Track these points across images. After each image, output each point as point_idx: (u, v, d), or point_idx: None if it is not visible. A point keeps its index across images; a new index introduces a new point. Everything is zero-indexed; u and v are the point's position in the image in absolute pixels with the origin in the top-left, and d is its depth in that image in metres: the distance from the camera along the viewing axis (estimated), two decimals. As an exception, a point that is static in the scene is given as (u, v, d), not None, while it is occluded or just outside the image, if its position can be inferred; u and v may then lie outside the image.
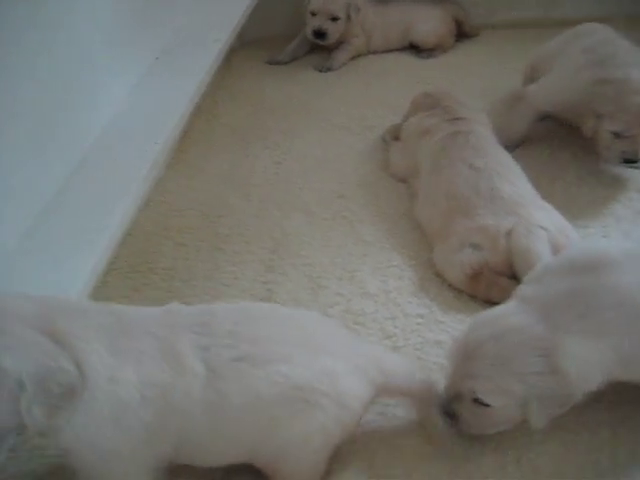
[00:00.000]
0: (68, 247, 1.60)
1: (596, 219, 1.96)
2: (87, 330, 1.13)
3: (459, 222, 1.77)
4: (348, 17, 3.00)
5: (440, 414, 1.37)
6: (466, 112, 2.11)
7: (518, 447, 1.36)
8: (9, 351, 1.04)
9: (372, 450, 1.38)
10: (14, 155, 1.61)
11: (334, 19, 2.99)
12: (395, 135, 2.32)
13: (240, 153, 2.41)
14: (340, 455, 1.36)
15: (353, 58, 3.07)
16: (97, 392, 1.10)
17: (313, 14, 2.99)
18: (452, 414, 1.35)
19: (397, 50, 3.11)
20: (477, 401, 1.30)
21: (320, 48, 3.08)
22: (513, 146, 2.19)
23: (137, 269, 1.91)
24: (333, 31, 2.99)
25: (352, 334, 1.43)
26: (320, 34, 2.98)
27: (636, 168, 2.11)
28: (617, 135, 2.00)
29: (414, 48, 3.10)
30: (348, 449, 1.37)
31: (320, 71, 2.99)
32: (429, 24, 3.04)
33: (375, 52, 3.11)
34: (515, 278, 1.68)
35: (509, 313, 1.34)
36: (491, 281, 1.69)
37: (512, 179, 1.83)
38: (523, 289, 1.39)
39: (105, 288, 1.82)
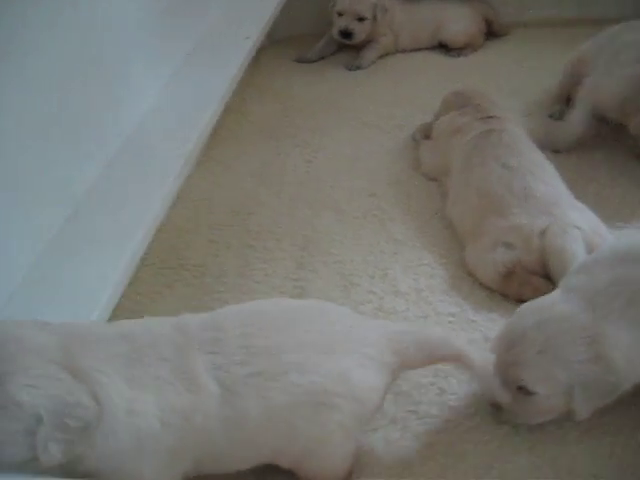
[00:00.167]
0: (102, 242, 1.62)
1: (630, 220, 1.93)
2: (104, 362, 1.11)
3: (492, 221, 1.76)
4: (374, 17, 3.00)
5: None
6: (498, 111, 2.10)
7: (554, 447, 1.35)
8: (27, 387, 1.03)
9: (405, 447, 1.38)
10: (50, 150, 1.63)
11: (361, 19, 2.99)
12: (426, 134, 2.32)
13: (270, 151, 2.41)
14: (372, 451, 1.37)
15: (381, 57, 3.07)
16: (116, 425, 1.09)
17: (340, 14, 3.00)
18: (498, 404, 1.36)
19: (426, 49, 3.10)
20: (522, 389, 1.31)
21: (348, 47, 3.08)
22: (568, 148, 2.16)
23: (169, 265, 1.93)
24: (359, 31, 2.99)
25: (360, 317, 1.40)
26: (347, 34, 2.99)
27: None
28: None
29: (443, 47, 3.09)
30: (380, 446, 1.38)
31: (349, 70, 2.99)
32: (459, 23, 3.03)
33: (404, 51, 3.11)
34: (548, 277, 1.68)
35: (554, 302, 1.34)
36: (524, 280, 1.68)
37: (546, 179, 1.82)
38: (568, 279, 1.40)
39: (138, 284, 1.84)
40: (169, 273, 1.90)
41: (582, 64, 2.32)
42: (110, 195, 1.76)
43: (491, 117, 2.06)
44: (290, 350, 1.21)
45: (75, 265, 1.57)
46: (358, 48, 3.06)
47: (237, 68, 2.35)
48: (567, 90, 2.44)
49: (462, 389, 1.49)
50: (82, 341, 1.13)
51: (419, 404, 1.47)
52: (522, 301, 1.65)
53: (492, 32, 3.11)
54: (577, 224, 1.68)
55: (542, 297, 1.40)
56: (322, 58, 3.11)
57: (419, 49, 3.10)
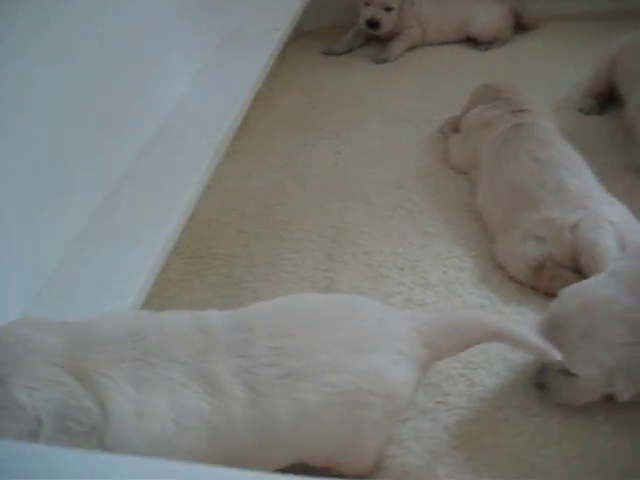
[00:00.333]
0: (136, 229, 1.64)
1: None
2: (109, 365, 1.09)
3: (523, 214, 1.76)
4: (401, 8, 2.99)
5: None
6: (529, 104, 2.09)
7: (584, 441, 1.35)
8: (28, 388, 1.02)
9: (434, 438, 1.39)
10: (83, 139, 1.65)
11: (388, 9, 2.98)
12: (454, 127, 2.31)
13: (298, 143, 2.42)
14: (402, 442, 1.38)
15: (409, 50, 3.06)
16: (127, 429, 1.07)
17: (367, 4, 2.99)
18: (542, 385, 1.39)
19: (453, 42, 3.09)
20: (566, 371, 1.33)
21: (375, 40, 3.08)
22: None
23: (198, 254, 1.94)
24: (386, 21, 2.98)
25: (388, 309, 1.37)
26: (373, 24, 2.98)
27: None
28: None
29: (471, 41, 3.08)
30: (410, 436, 1.39)
31: (377, 62, 2.98)
32: (487, 17, 3.01)
33: (431, 44, 3.09)
34: (579, 272, 1.67)
35: (598, 285, 1.36)
36: (554, 274, 1.67)
37: (578, 172, 1.81)
38: (613, 264, 1.42)
39: (167, 272, 1.85)
40: (198, 262, 1.92)
41: (617, 67, 2.30)
42: (143, 183, 1.78)
43: (522, 110, 2.05)
44: (322, 350, 1.19)
45: (109, 252, 1.59)
46: (385, 41, 3.05)
47: (266, 59, 2.36)
48: (598, 86, 2.42)
49: (492, 381, 1.50)
50: (89, 343, 1.10)
51: (448, 395, 1.47)
52: (552, 295, 1.65)
53: (521, 26, 3.08)
54: (609, 218, 1.67)
55: (585, 281, 1.42)
56: (349, 51, 3.11)
57: (447, 42, 3.08)
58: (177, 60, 2.16)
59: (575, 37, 2.95)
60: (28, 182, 1.46)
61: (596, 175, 1.87)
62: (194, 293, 1.81)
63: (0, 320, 1.35)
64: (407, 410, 1.38)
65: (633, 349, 1.27)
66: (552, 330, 1.34)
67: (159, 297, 1.76)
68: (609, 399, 1.36)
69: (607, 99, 2.43)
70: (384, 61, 2.98)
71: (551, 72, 2.72)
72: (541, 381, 1.40)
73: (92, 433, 1.05)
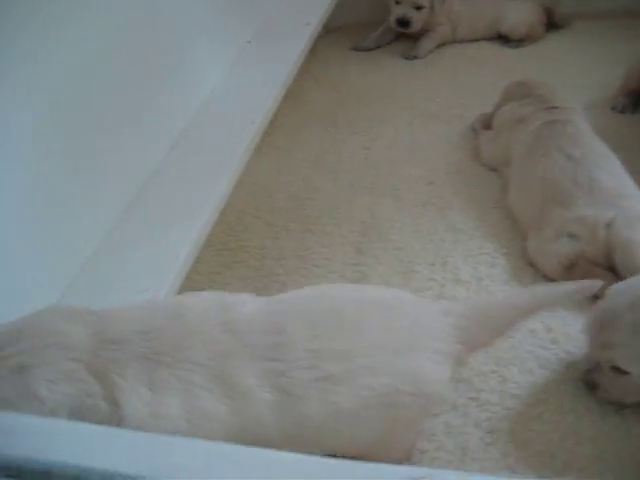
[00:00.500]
0: (168, 224, 1.64)
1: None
2: (124, 364, 1.06)
3: (556, 212, 1.75)
4: (432, 6, 2.98)
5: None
6: (562, 101, 2.08)
7: (618, 440, 1.34)
8: (47, 381, 1.02)
9: (466, 433, 1.39)
10: (115, 133, 1.66)
11: (418, 8, 2.97)
12: (485, 124, 2.30)
13: (328, 138, 2.42)
14: (433, 437, 1.38)
15: (439, 47, 3.05)
16: (143, 429, 1.04)
17: (397, 2, 2.98)
18: (592, 383, 1.39)
19: (484, 40, 3.07)
20: (616, 369, 1.33)
21: (405, 36, 3.07)
22: None
23: (228, 247, 1.95)
24: (417, 20, 2.98)
25: (422, 303, 1.34)
26: (404, 22, 2.98)
27: None
28: None
29: (501, 38, 3.06)
30: (441, 431, 1.39)
31: (406, 59, 2.98)
32: (519, 14, 2.99)
33: (461, 41, 3.08)
34: (612, 270, 1.66)
35: None
36: (587, 272, 1.65)
37: (611, 170, 1.79)
38: None
39: (198, 264, 1.85)
40: (229, 254, 1.93)
41: None
42: (175, 177, 1.79)
43: (555, 108, 2.03)
44: (360, 353, 1.15)
45: (141, 245, 1.60)
46: (415, 37, 3.04)
47: (298, 54, 2.36)
48: (631, 84, 2.40)
49: (523, 378, 1.49)
50: (110, 340, 1.08)
51: (480, 392, 1.47)
52: (585, 293, 1.66)
53: (553, 23, 3.06)
54: (644, 216, 1.65)
55: (632, 278, 1.41)
56: (378, 47, 3.11)
57: (477, 40, 3.07)
58: (209, 54, 2.17)
59: (607, 35, 2.92)
60: (62, 174, 1.47)
61: (629, 173, 1.86)
62: (224, 285, 1.82)
63: (36, 307, 1.40)
64: (439, 405, 1.39)
65: None
66: (601, 328, 1.34)
67: (190, 289, 1.76)
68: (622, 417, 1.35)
69: (640, 97, 2.40)
70: (414, 57, 2.98)
71: (583, 70, 2.70)
72: (591, 379, 1.40)
73: None
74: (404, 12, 2.97)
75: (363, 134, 2.43)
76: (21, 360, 1.03)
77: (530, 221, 1.83)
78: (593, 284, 1.33)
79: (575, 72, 2.69)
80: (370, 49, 3.09)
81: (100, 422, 1.01)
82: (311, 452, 1.19)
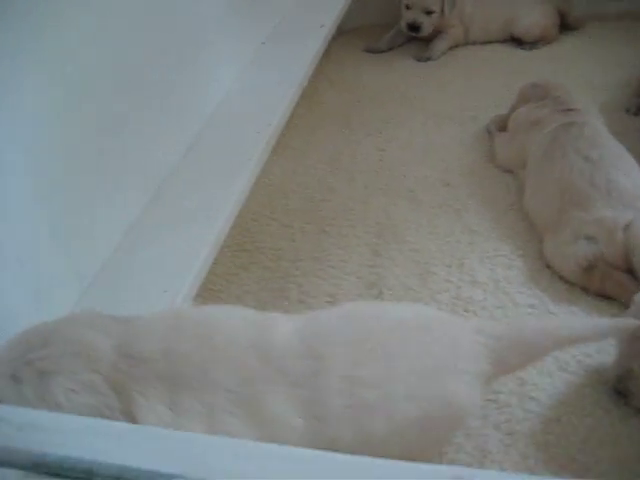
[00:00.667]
0: (186, 223, 1.64)
1: None
2: (148, 383, 1.04)
3: (573, 214, 1.74)
4: (442, 10, 2.98)
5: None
6: (578, 103, 2.08)
7: (637, 443, 1.33)
8: (68, 390, 1.02)
9: (485, 435, 1.38)
10: (132, 133, 1.66)
11: (429, 12, 2.97)
12: (500, 125, 2.30)
13: (342, 139, 2.43)
14: (453, 439, 1.37)
15: (452, 48, 3.05)
16: None
17: (408, 7, 2.98)
18: (623, 391, 1.38)
19: (497, 42, 3.07)
20: None
21: (417, 38, 3.07)
22: None
23: (244, 248, 1.96)
24: (427, 24, 2.98)
25: (456, 323, 1.31)
26: (414, 27, 2.98)
27: None
28: None
29: (514, 40, 3.05)
30: (461, 433, 1.38)
31: (419, 61, 2.98)
32: (532, 16, 2.99)
33: (474, 43, 3.08)
34: (630, 272, 1.65)
35: None
36: (606, 275, 1.66)
37: (629, 172, 1.79)
38: None
39: (214, 265, 1.85)
40: (245, 256, 1.93)
41: None
42: (193, 177, 1.79)
43: (571, 109, 2.03)
44: (395, 379, 1.13)
45: (160, 245, 1.60)
46: (427, 39, 3.04)
47: (313, 55, 2.36)
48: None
49: (542, 380, 1.49)
50: (133, 354, 1.07)
51: (499, 394, 1.46)
52: (603, 296, 1.66)
53: (566, 25, 3.06)
54: (662, 218, 1.65)
55: None
56: (391, 49, 3.10)
57: (490, 42, 3.06)
58: (224, 56, 2.17)
59: (621, 37, 2.92)
60: (79, 175, 1.47)
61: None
62: (241, 286, 1.82)
63: (56, 306, 1.40)
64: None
65: None
66: (633, 338, 1.34)
67: (207, 290, 1.77)
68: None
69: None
70: (427, 59, 2.98)
71: (597, 72, 2.70)
72: (622, 387, 1.39)
73: None
74: (415, 17, 2.97)
75: (377, 135, 2.43)
76: (44, 366, 1.03)
77: (547, 223, 1.82)
78: (631, 323, 1.31)
79: (588, 74, 2.68)
80: (383, 51, 3.09)
81: None
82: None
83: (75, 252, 1.48)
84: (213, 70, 2.13)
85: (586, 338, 1.35)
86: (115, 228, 1.63)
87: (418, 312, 1.31)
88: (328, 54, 2.94)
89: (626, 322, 1.33)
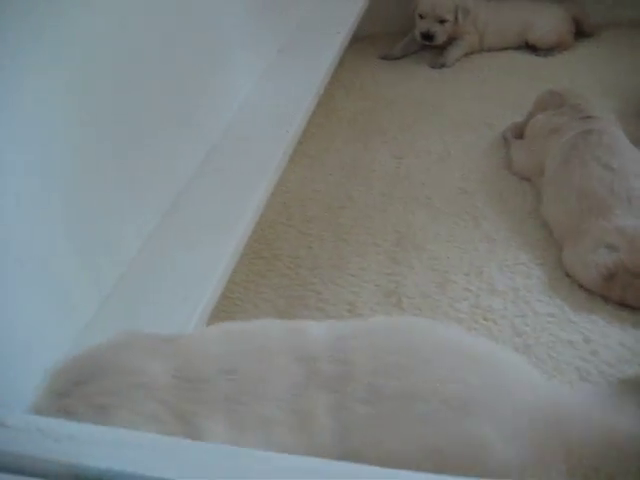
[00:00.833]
0: (206, 233, 1.64)
1: None
2: (206, 404, 1.03)
3: (593, 222, 1.74)
4: (456, 19, 2.98)
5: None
6: (596, 111, 2.07)
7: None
8: (130, 424, 0.99)
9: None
10: (150, 143, 1.66)
11: (442, 21, 2.97)
12: (517, 133, 2.30)
13: (359, 147, 2.43)
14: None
15: (467, 55, 3.05)
16: None
17: (421, 17, 2.99)
18: None
19: (512, 49, 3.06)
20: None
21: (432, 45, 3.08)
22: None
23: (262, 255, 1.96)
24: (441, 33, 2.98)
25: (516, 365, 1.16)
26: (428, 37, 2.98)
27: None
28: None
29: (529, 47, 3.05)
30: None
31: (434, 68, 2.98)
32: (548, 23, 2.98)
33: (489, 50, 3.07)
34: (652, 281, 1.65)
35: None
36: (627, 283, 1.65)
37: (649, 180, 1.79)
38: None
39: (232, 273, 1.86)
40: (262, 263, 1.93)
41: None
42: (211, 185, 1.79)
43: (590, 117, 2.03)
44: (421, 398, 1.05)
45: (180, 253, 1.60)
46: (442, 46, 3.04)
47: (329, 63, 2.36)
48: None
49: (564, 390, 1.48)
50: (190, 379, 1.05)
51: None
52: (624, 304, 1.65)
53: (581, 32, 3.05)
54: (684, 227, 1.64)
55: None
56: (406, 55, 3.11)
57: (505, 48, 3.06)
58: (241, 63, 2.18)
59: (637, 43, 2.91)
60: (99, 184, 1.48)
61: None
62: (259, 294, 1.82)
63: (76, 316, 1.41)
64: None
65: None
66: None
67: (224, 297, 1.77)
68: None
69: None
70: (441, 66, 2.98)
71: (613, 79, 2.69)
72: None
73: None
74: (428, 26, 2.97)
75: (394, 143, 2.43)
76: (103, 400, 1.00)
77: (566, 231, 1.82)
78: None
79: (604, 81, 2.68)
80: (397, 58, 3.09)
81: None
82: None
83: (94, 261, 1.48)
84: (230, 79, 2.13)
85: None
86: (134, 237, 1.63)
87: (482, 346, 1.20)
88: (343, 61, 2.94)
89: None
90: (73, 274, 1.41)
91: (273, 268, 1.91)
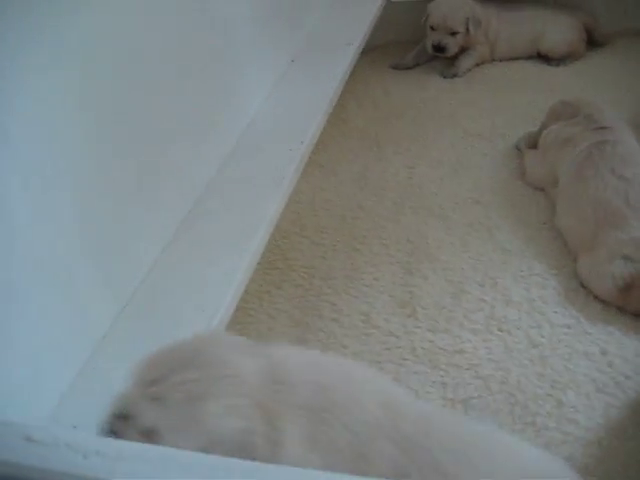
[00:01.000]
0: (222, 244, 1.64)
1: None
2: (291, 409, 1.03)
3: (608, 233, 1.73)
4: (467, 30, 2.98)
5: None
6: (610, 121, 2.06)
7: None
8: (218, 415, 0.99)
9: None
10: (165, 153, 1.67)
11: (453, 33, 2.98)
12: (530, 143, 2.29)
13: (371, 157, 2.43)
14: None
15: (478, 65, 3.04)
16: None
17: (433, 28, 2.99)
18: None
19: (524, 58, 3.06)
20: None
21: (443, 56, 3.08)
22: None
23: (276, 266, 1.96)
24: (452, 45, 2.98)
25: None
26: (440, 49, 2.99)
27: None
28: None
29: (541, 57, 3.05)
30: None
31: (445, 77, 2.98)
32: (559, 33, 2.98)
33: (501, 60, 3.07)
34: (668, 292, 1.64)
35: None
36: (643, 294, 1.65)
37: (664, 191, 1.78)
38: None
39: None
40: (276, 273, 1.94)
41: None
42: (227, 196, 1.79)
43: (604, 128, 2.02)
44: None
45: (195, 264, 1.60)
46: (453, 56, 3.04)
47: (342, 73, 2.37)
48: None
49: (580, 402, 1.47)
50: (279, 381, 1.05)
51: (536, 415, 1.46)
52: (641, 315, 1.65)
53: (593, 41, 3.05)
54: (700, 237, 1.64)
55: None
56: (417, 65, 3.11)
57: (517, 58, 3.06)
58: (255, 73, 2.18)
59: (649, 53, 2.90)
60: (115, 194, 1.48)
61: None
62: (273, 304, 1.83)
63: (94, 325, 1.41)
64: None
65: None
66: None
67: (239, 308, 1.76)
68: None
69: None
70: (453, 76, 2.98)
71: (625, 88, 2.68)
72: None
73: None
74: (440, 38, 2.97)
75: (406, 153, 2.43)
76: (195, 389, 1.00)
77: (581, 242, 1.81)
78: None
79: (616, 90, 2.67)
80: (409, 67, 3.10)
81: (255, 460, 0.95)
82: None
83: (111, 273, 1.49)
84: (244, 89, 2.14)
85: None
86: (151, 247, 1.64)
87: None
88: (354, 71, 2.94)
89: None
90: (90, 286, 1.42)
91: (287, 278, 1.92)
